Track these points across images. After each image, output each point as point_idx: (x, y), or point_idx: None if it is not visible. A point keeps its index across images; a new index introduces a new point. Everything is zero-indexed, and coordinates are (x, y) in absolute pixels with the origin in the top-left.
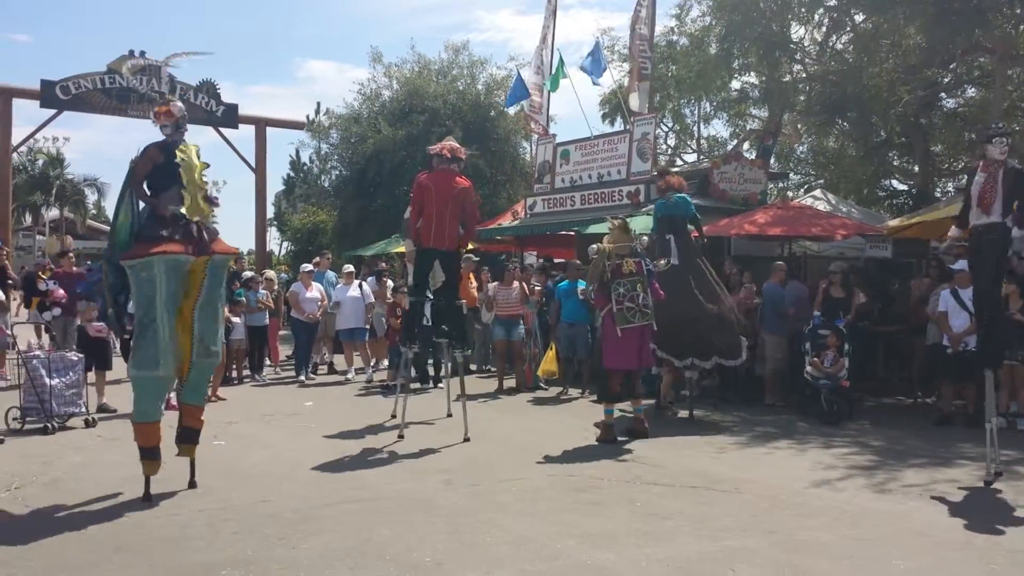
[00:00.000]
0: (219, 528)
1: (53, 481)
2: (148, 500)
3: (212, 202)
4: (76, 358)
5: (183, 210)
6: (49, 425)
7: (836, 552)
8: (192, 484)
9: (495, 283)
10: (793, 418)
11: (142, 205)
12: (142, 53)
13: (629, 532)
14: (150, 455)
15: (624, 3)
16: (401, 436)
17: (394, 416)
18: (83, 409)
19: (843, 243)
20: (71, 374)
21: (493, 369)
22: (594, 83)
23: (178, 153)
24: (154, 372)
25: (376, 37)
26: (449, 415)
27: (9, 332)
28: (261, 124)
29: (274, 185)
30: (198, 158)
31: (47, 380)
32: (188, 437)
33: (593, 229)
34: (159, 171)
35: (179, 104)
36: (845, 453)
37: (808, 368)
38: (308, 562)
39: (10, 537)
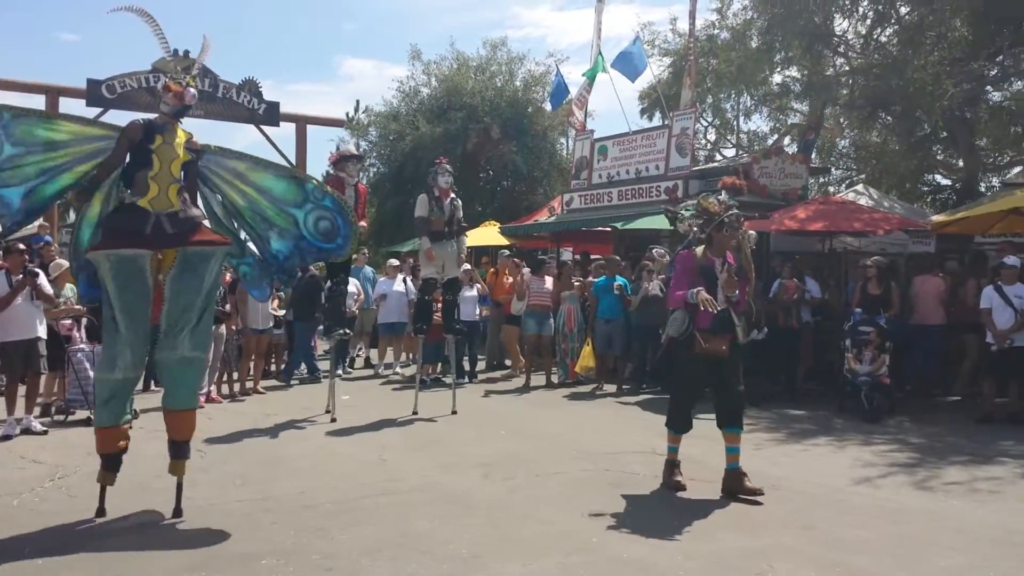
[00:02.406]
0: (258, 519)
1: (96, 472)
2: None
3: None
4: None
5: (143, 201)
6: (92, 416)
7: (877, 549)
8: (177, 512)
9: (528, 271)
10: (831, 415)
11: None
12: (186, 52)
13: (666, 527)
14: (107, 464)
15: None
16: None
17: (415, 413)
18: None
19: (885, 239)
20: None
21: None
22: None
23: (157, 138)
24: (109, 375)
25: (415, 35)
26: (454, 412)
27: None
28: (302, 122)
29: None
30: (184, 150)
31: (91, 372)
32: (174, 451)
33: (632, 225)
34: (138, 153)
35: (193, 92)
36: (885, 450)
37: (847, 364)
38: (347, 553)
39: (53, 526)
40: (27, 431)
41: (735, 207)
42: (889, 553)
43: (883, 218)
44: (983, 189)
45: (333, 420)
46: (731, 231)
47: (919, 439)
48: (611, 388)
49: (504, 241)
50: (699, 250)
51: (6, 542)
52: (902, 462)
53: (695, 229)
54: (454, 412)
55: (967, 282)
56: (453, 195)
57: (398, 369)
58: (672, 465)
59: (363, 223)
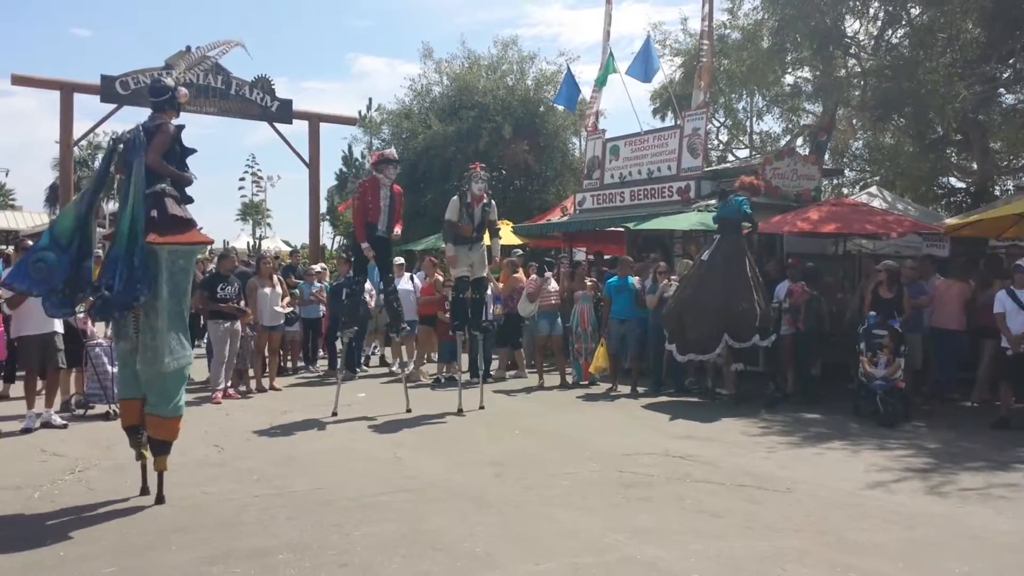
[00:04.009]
0: (275, 514)
1: (115, 466)
2: (162, 500)
3: None
4: None
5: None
6: (111, 411)
7: (890, 554)
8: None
9: (546, 275)
10: (846, 419)
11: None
12: (199, 49)
13: (679, 528)
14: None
15: None
16: (409, 410)
17: (460, 411)
18: None
19: (898, 241)
20: None
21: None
22: (646, 80)
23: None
24: (189, 361)
25: (427, 33)
26: (481, 407)
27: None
28: (315, 120)
29: (327, 180)
30: None
31: (109, 367)
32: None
33: (644, 225)
34: (168, 155)
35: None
36: (899, 455)
37: (862, 368)
38: (362, 549)
39: (74, 518)
40: (47, 425)
41: None
42: (903, 558)
43: (896, 220)
44: (997, 192)
45: (334, 414)
46: None
47: (934, 444)
48: (625, 389)
49: (517, 241)
50: None
51: (28, 533)
52: (917, 467)
53: None
54: (481, 407)
55: (992, 285)
56: (486, 199)
57: (411, 367)
58: None
59: (398, 228)
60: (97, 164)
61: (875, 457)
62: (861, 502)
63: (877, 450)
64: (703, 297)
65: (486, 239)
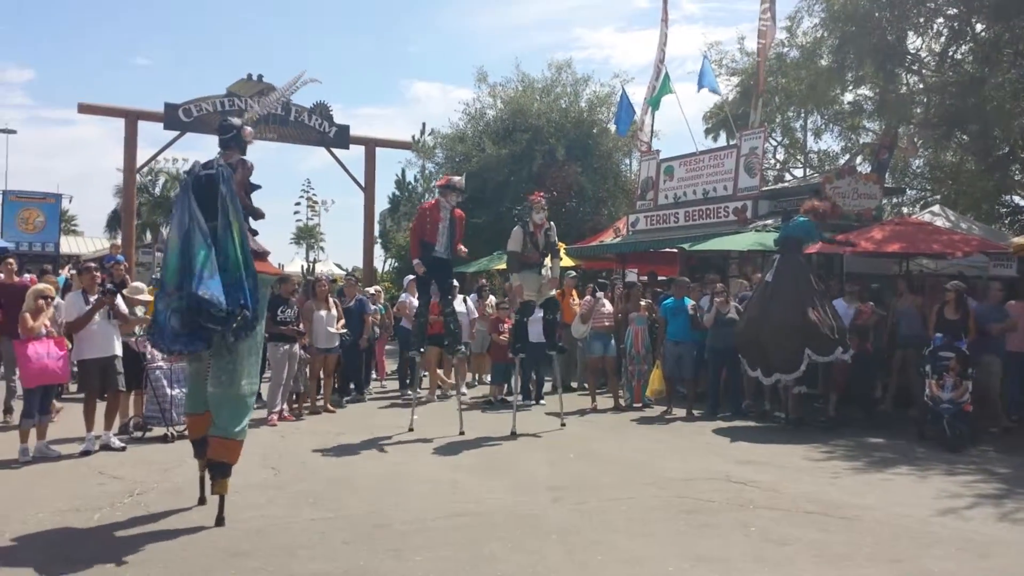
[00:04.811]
0: (331, 538)
1: (173, 488)
2: (222, 522)
3: None
4: None
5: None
6: (169, 433)
7: None
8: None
9: (598, 296)
10: (911, 443)
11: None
12: (259, 76)
13: (744, 557)
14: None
15: (728, 18)
16: (462, 433)
17: (514, 433)
18: None
19: (962, 261)
20: None
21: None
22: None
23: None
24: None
25: (480, 57)
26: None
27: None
28: (371, 144)
29: (380, 203)
30: None
31: (168, 390)
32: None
33: (700, 246)
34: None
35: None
36: (970, 480)
37: (928, 391)
38: (421, 575)
39: (134, 541)
40: (106, 447)
41: None
42: None
43: (962, 240)
44: None
45: (410, 429)
46: None
47: (1005, 469)
48: (680, 412)
49: (570, 262)
50: None
51: (89, 556)
52: (989, 493)
53: None
54: (563, 425)
55: None
56: (547, 224)
57: (463, 390)
58: None
59: (462, 247)
60: (159, 190)
61: (944, 483)
62: (933, 530)
63: (946, 475)
64: (779, 315)
65: (547, 260)
